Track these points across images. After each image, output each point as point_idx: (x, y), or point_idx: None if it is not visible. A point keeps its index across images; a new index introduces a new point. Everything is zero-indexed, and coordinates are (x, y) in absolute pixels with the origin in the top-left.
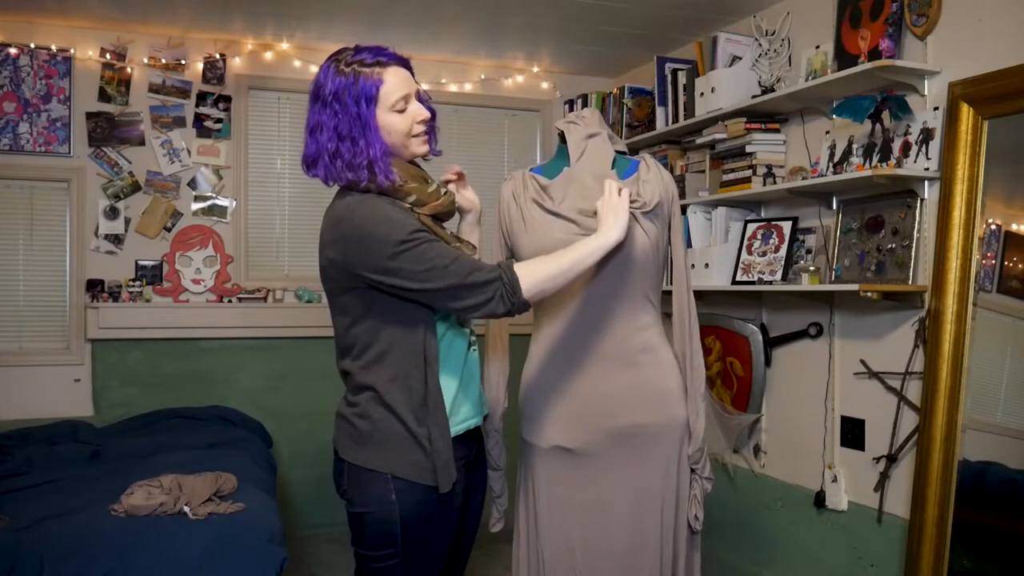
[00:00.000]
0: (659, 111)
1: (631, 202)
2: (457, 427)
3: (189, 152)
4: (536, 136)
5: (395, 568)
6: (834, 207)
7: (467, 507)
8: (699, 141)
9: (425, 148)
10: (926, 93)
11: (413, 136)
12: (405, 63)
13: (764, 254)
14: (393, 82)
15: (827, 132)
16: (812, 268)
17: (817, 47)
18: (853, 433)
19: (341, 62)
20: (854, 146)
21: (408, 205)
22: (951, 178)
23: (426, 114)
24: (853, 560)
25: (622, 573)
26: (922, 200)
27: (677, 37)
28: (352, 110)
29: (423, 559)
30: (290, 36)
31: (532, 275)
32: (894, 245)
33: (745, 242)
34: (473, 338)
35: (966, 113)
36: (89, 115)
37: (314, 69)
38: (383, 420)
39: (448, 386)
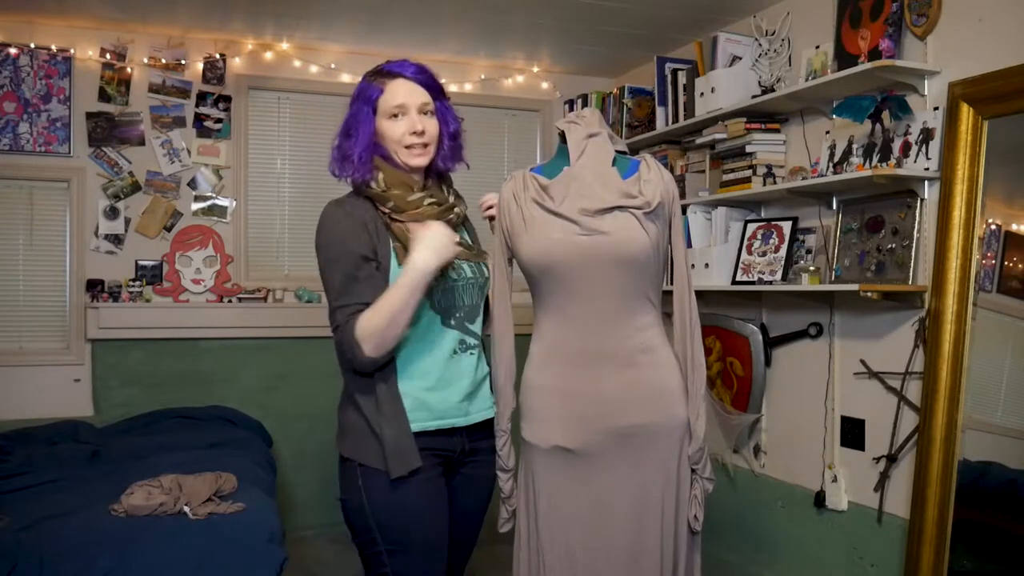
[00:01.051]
0: (659, 111)
1: (631, 197)
2: (429, 423)
3: (189, 152)
4: (536, 136)
5: (380, 556)
6: (834, 207)
7: (461, 504)
8: (699, 141)
9: (417, 161)
10: (926, 93)
11: (405, 146)
12: (424, 80)
13: (764, 254)
14: (394, 92)
15: (827, 132)
16: (812, 268)
17: (817, 47)
18: (853, 433)
19: (371, 70)
20: (854, 146)
21: (387, 210)
22: (951, 178)
23: (419, 126)
24: (853, 560)
25: (623, 573)
26: (922, 200)
27: (677, 37)
28: (354, 110)
29: (405, 547)
30: (290, 36)
31: (368, 332)
32: (894, 245)
33: (745, 242)
34: (472, 341)
35: (966, 113)
36: (89, 115)
37: (314, 69)
38: (352, 413)
39: (413, 386)
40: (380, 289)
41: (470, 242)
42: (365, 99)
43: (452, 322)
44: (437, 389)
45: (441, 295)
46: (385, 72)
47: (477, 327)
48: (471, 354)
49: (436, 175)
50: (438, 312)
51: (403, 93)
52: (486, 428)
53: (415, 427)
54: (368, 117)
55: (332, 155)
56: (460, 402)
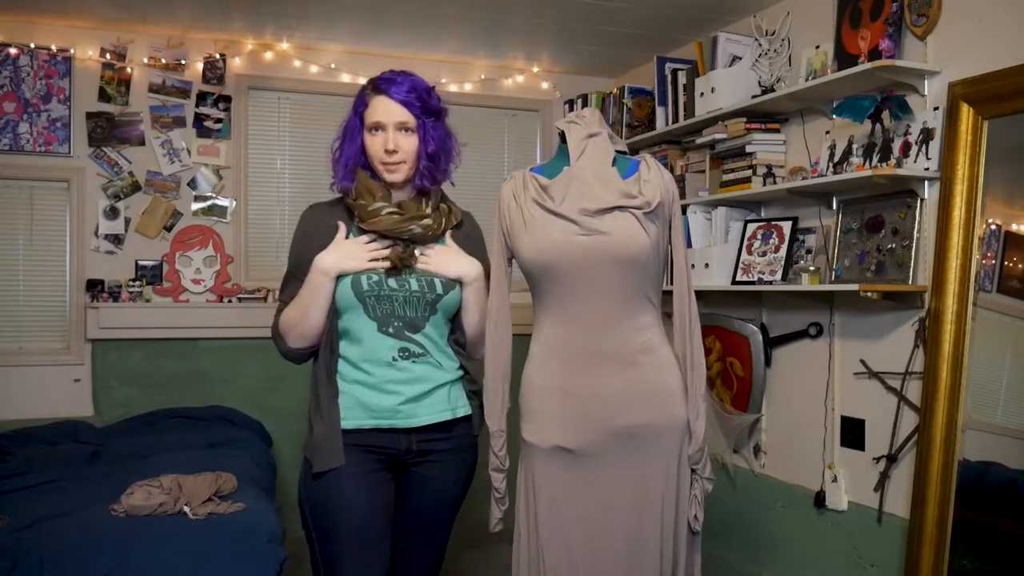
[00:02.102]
0: (659, 111)
1: (631, 197)
2: (365, 421)
3: (189, 152)
4: (536, 136)
5: (313, 543)
6: (834, 207)
7: (415, 504)
8: (699, 141)
9: (392, 176)
10: (926, 93)
11: (380, 162)
12: (405, 99)
13: (764, 254)
14: (375, 108)
15: (827, 132)
16: (812, 268)
17: (817, 47)
18: (853, 433)
19: (373, 78)
20: (854, 146)
21: (357, 215)
22: (951, 178)
23: (390, 146)
24: (853, 560)
25: (623, 573)
26: (922, 200)
27: (677, 37)
28: (348, 118)
29: (332, 536)
30: (290, 36)
31: (286, 326)
32: (894, 245)
33: (745, 242)
34: (418, 349)
35: (966, 113)
36: (89, 115)
37: (314, 69)
38: (309, 406)
39: (354, 388)
40: None
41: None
42: (356, 110)
43: (390, 330)
44: (374, 390)
45: (376, 302)
46: (373, 87)
47: (426, 338)
48: (418, 362)
49: (417, 190)
50: (373, 319)
51: (381, 111)
52: (444, 429)
53: (350, 424)
54: (356, 127)
55: (332, 156)
56: (401, 405)
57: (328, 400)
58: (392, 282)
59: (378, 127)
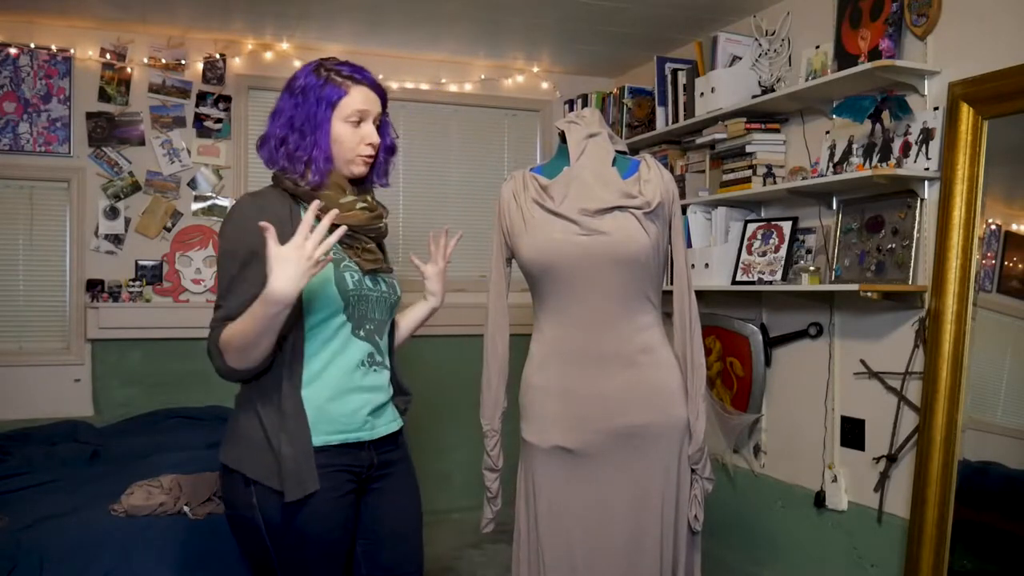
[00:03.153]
0: (659, 111)
1: (631, 197)
2: (332, 436)
3: (189, 152)
4: (536, 136)
5: (273, 569)
6: (834, 207)
7: (386, 523)
8: (699, 141)
9: (360, 169)
10: (926, 93)
11: (357, 154)
12: (380, 91)
13: (764, 254)
14: (356, 98)
15: (827, 132)
16: (812, 268)
17: (817, 47)
18: (853, 433)
19: (322, 66)
20: (854, 146)
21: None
22: (951, 178)
23: (375, 139)
24: (853, 560)
25: (622, 573)
26: (922, 200)
27: (677, 37)
28: (312, 108)
29: (301, 567)
30: (290, 36)
31: (230, 346)
32: (894, 245)
33: (745, 242)
34: (379, 357)
35: (966, 113)
36: (89, 115)
37: None
38: (248, 422)
39: (317, 395)
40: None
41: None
42: (324, 99)
43: (362, 333)
44: (339, 399)
45: (356, 302)
46: (347, 75)
47: (384, 344)
48: (377, 370)
49: (365, 184)
50: (350, 320)
51: (366, 100)
52: (394, 440)
53: (319, 441)
54: (327, 118)
55: (270, 143)
56: (367, 415)
57: (294, 417)
58: (368, 281)
59: (362, 116)
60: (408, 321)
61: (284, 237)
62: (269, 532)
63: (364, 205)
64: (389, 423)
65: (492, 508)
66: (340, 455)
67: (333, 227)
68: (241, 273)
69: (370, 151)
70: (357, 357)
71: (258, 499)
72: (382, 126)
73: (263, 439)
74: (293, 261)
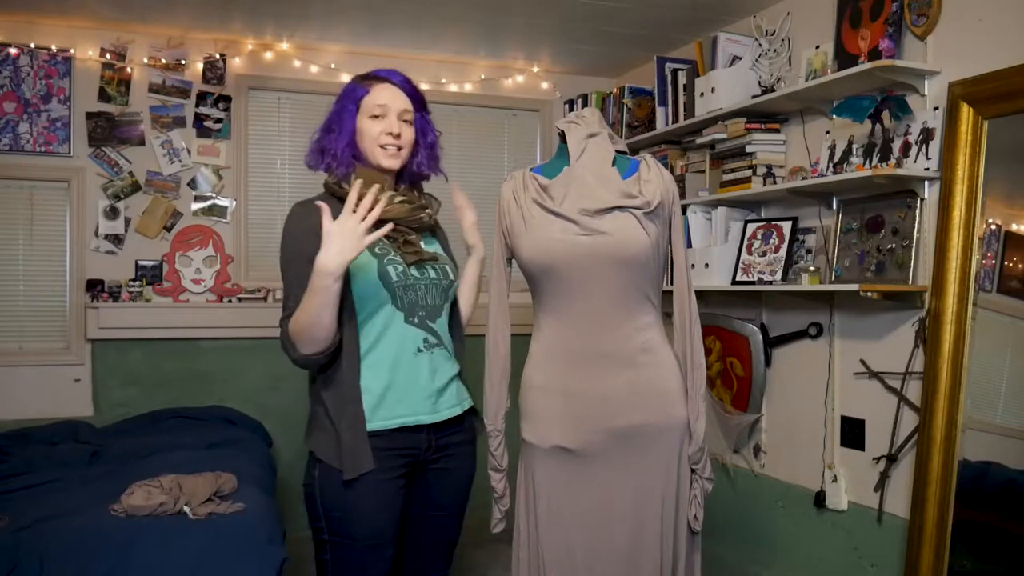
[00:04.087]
0: (659, 111)
1: (631, 197)
2: (391, 421)
3: (189, 152)
4: (536, 136)
5: (325, 544)
6: (834, 207)
7: (437, 500)
8: (699, 141)
9: (389, 162)
10: (926, 93)
11: (380, 145)
12: (408, 89)
13: (764, 254)
14: (378, 94)
15: (827, 132)
16: (812, 268)
17: (817, 47)
18: (853, 433)
19: (359, 75)
20: (854, 146)
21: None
22: (951, 178)
23: (395, 129)
24: (853, 560)
25: (622, 573)
26: (922, 200)
27: (677, 37)
28: (339, 107)
29: (348, 541)
30: (290, 36)
31: (297, 332)
32: (894, 245)
33: (745, 242)
34: (435, 340)
35: (966, 113)
36: (89, 115)
37: (314, 69)
38: (318, 407)
39: (375, 383)
40: None
41: (441, 249)
42: (351, 98)
43: (415, 320)
44: (399, 386)
45: (403, 292)
46: (374, 76)
47: (440, 327)
48: (436, 352)
49: (409, 181)
50: (400, 310)
51: (387, 96)
52: (456, 423)
53: (376, 426)
54: (351, 114)
55: (310, 147)
56: (426, 399)
57: (352, 403)
58: (414, 271)
59: (383, 111)
60: (466, 285)
61: (291, 249)
62: (324, 505)
63: (403, 199)
64: (452, 407)
65: (500, 508)
66: (397, 438)
67: (380, 224)
68: (297, 276)
69: (390, 140)
70: (413, 344)
71: (320, 475)
72: (419, 123)
73: (329, 424)
74: (341, 234)
